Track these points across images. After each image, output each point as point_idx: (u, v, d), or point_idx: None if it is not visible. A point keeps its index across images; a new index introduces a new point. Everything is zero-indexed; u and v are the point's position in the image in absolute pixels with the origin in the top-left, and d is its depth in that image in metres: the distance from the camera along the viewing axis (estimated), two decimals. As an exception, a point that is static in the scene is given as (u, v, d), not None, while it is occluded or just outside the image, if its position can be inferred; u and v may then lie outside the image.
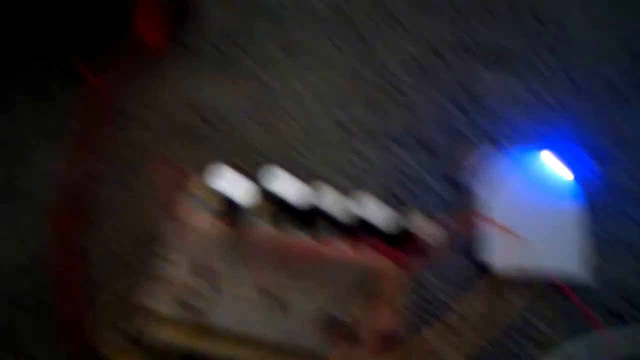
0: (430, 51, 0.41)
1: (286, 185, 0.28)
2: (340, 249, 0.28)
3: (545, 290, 0.34)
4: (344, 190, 0.33)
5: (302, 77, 0.39)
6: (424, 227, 0.27)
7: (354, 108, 0.39)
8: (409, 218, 0.28)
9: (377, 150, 0.37)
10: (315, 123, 0.38)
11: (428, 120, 0.39)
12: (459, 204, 0.36)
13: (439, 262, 0.32)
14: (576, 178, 0.37)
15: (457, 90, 0.40)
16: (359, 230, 0.27)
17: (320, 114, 0.38)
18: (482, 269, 0.34)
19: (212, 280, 0.27)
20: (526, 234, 0.34)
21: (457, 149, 0.38)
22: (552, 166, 0.37)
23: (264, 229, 0.28)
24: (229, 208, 0.27)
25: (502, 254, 0.33)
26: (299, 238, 0.28)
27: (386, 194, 0.36)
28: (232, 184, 0.27)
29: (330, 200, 0.27)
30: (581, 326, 0.33)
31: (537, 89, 0.41)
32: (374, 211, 0.27)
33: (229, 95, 0.38)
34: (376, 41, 0.41)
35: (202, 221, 0.28)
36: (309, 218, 0.28)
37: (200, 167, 0.33)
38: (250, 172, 0.33)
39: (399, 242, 0.27)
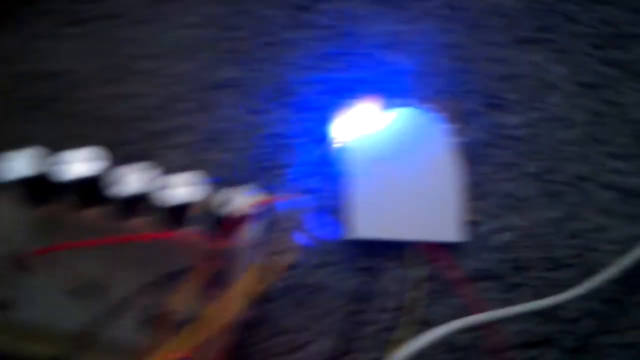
0: None
1: (90, 168, 0.25)
2: (160, 234, 0.26)
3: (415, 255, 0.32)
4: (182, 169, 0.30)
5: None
6: (247, 206, 0.25)
7: (220, 66, 0.35)
8: (233, 197, 0.25)
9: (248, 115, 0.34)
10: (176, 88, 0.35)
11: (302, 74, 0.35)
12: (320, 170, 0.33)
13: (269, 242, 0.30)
14: (452, 132, 0.33)
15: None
16: (177, 213, 0.25)
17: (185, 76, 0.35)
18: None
19: (18, 269, 0.26)
20: (394, 196, 0.32)
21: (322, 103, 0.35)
22: (426, 120, 0.33)
23: (79, 213, 0.26)
24: (37, 190, 0.25)
25: (362, 222, 0.31)
26: (118, 224, 0.26)
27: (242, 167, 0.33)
28: (38, 164, 0.25)
29: (136, 183, 0.25)
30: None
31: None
32: (186, 192, 0.25)
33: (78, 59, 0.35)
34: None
35: (8, 205, 0.26)
36: (127, 202, 0.26)
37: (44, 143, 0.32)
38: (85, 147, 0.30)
39: (221, 223, 0.25)
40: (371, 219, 0.31)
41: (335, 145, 0.33)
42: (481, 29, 0.37)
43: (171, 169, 0.32)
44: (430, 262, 0.31)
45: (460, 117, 0.34)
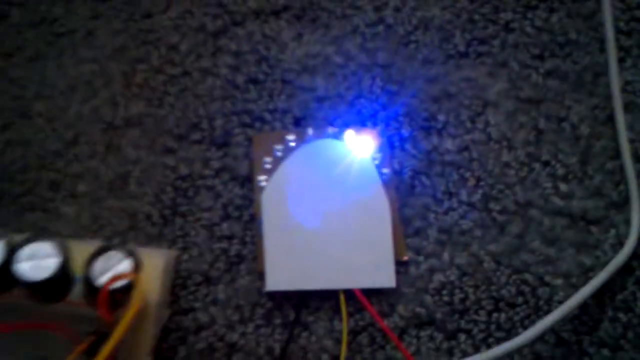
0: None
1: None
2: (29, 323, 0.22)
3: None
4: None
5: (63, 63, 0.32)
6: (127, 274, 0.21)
7: (125, 103, 0.31)
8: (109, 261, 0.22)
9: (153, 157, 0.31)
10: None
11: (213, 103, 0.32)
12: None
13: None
14: (380, 162, 0.30)
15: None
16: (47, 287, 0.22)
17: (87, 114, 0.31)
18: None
19: None
20: (315, 239, 0.28)
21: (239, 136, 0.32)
22: (350, 151, 0.30)
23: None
24: None
25: (279, 273, 0.27)
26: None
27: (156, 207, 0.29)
28: None
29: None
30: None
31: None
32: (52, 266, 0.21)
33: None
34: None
35: None
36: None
37: None
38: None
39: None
40: (289, 268, 0.28)
41: (252, 184, 0.30)
42: (411, 46, 0.34)
43: (67, 222, 0.29)
44: (361, 311, 0.28)
45: (389, 145, 0.32)
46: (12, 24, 0.34)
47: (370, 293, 0.28)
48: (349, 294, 0.28)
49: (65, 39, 0.33)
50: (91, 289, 0.21)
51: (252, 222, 0.30)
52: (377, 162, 0.30)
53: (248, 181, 0.30)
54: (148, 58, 0.33)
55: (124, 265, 0.21)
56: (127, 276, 0.21)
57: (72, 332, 0.22)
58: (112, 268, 0.21)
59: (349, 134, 0.31)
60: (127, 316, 0.19)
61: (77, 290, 0.24)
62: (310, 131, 0.31)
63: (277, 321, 0.28)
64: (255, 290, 0.28)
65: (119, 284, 0.21)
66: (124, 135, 0.31)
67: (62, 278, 0.21)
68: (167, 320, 0.27)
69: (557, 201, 0.30)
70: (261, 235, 0.28)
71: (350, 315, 0.28)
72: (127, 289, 0.21)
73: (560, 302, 0.28)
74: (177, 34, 0.34)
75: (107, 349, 0.19)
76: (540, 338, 0.27)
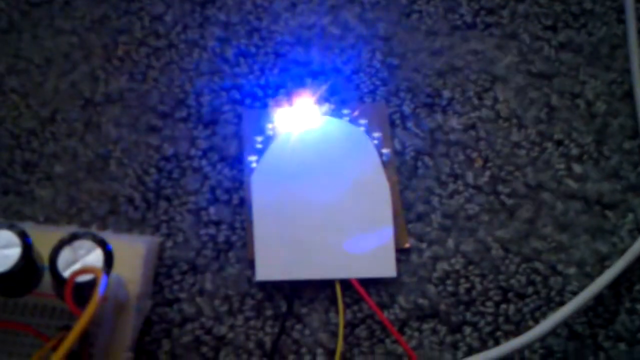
0: None
1: None
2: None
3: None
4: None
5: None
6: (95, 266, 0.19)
7: (105, 78, 0.29)
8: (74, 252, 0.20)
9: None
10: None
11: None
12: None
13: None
14: (380, 141, 0.28)
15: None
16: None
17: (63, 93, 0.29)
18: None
19: None
20: (310, 225, 0.26)
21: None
22: (349, 130, 0.28)
23: None
24: None
25: (271, 261, 0.25)
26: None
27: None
28: None
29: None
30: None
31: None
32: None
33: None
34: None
35: None
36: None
37: None
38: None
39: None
40: (281, 256, 0.25)
41: (242, 165, 0.28)
42: (413, 16, 0.32)
43: (42, 206, 0.27)
44: (359, 302, 0.26)
45: (389, 124, 0.30)
46: (-16, -7, 0.32)
47: (368, 283, 0.26)
48: (346, 284, 0.26)
49: (41, 9, 0.31)
50: (57, 282, 0.19)
51: (242, 206, 0.28)
52: (376, 141, 0.28)
53: (238, 162, 0.28)
54: (130, 29, 0.31)
55: (94, 256, 0.19)
56: (93, 271, 0.19)
57: (38, 330, 0.20)
58: (81, 259, 0.19)
59: (347, 111, 0.29)
60: (87, 312, 0.17)
61: (46, 282, 0.22)
62: (305, 107, 0.29)
63: (269, 313, 0.26)
64: (245, 279, 0.26)
65: (86, 277, 0.19)
66: (105, 113, 0.29)
67: (25, 269, 0.19)
68: (150, 312, 0.25)
69: (571, 183, 0.28)
70: (251, 220, 0.26)
71: (347, 306, 0.26)
72: (93, 284, 0.19)
73: (574, 293, 0.26)
74: (162, 3, 0.31)
75: (64, 346, 0.17)
76: (552, 332, 0.25)
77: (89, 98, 0.29)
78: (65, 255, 0.19)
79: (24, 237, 0.18)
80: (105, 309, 0.22)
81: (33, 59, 0.30)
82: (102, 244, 0.19)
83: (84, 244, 0.19)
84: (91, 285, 0.18)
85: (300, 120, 0.28)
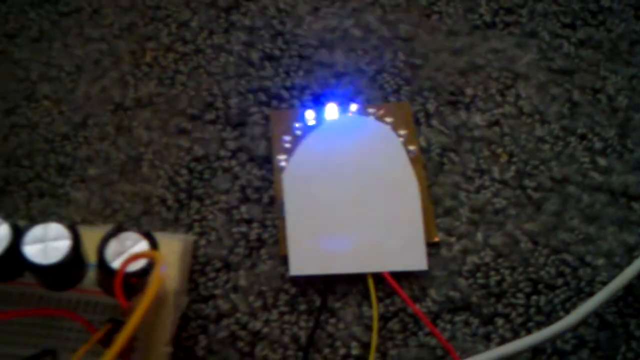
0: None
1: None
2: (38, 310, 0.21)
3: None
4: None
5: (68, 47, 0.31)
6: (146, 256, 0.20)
7: (135, 83, 0.30)
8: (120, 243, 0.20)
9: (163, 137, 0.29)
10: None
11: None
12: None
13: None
14: (406, 139, 0.28)
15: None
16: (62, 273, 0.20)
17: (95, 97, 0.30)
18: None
19: None
20: (340, 221, 0.26)
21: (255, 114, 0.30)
22: (375, 128, 0.28)
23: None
24: None
25: (304, 256, 0.26)
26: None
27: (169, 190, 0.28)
28: None
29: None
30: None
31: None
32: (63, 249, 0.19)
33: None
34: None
35: None
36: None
37: None
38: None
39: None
40: (314, 251, 0.26)
41: (272, 165, 0.28)
42: (434, 17, 0.33)
43: (77, 208, 0.28)
44: (391, 296, 0.26)
45: (415, 121, 0.30)
46: (15, 4, 0.32)
47: (400, 277, 0.26)
48: (378, 278, 0.26)
49: (70, 18, 0.32)
50: (106, 273, 0.19)
51: (272, 204, 0.28)
52: (402, 139, 0.29)
53: (266, 162, 0.29)
54: (158, 36, 0.31)
55: (140, 247, 0.20)
56: (146, 255, 0.19)
57: (86, 320, 0.20)
58: (128, 250, 0.20)
59: (372, 110, 0.29)
60: (147, 298, 0.17)
61: (90, 278, 0.23)
62: (331, 107, 0.29)
63: (302, 308, 0.26)
64: (278, 275, 0.27)
65: (135, 266, 0.19)
66: (135, 117, 0.30)
67: (74, 262, 0.19)
68: (186, 308, 0.26)
69: (596, 176, 0.29)
70: (283, 217, 0.27)
71: (379, 300, 0.26)
72: (144, 273, 0.19)
73: (603, 283, 0.26)
74: (188, 10, 0.32)
75: (123, 336, 0.18)
76: (584, 321, 0.25)
77: (119, 103, 0.30)
78: (112, 247, 0.19)
79: (73, 229, 0.19)
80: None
81: (64, 67, 0.31)
82: (148, 236, 0.19)
83: (130, 235, 0.19)
84: (139, 274, 0.19)
85: (328, 120, 0.29)
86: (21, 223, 0.21)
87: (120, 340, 0.18)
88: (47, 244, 0.19)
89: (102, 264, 0.19)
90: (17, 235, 0.19)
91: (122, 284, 0.18)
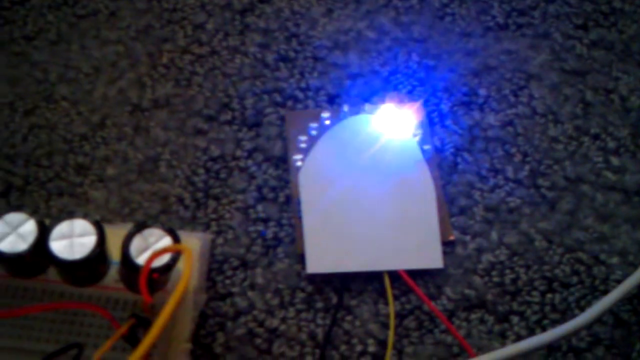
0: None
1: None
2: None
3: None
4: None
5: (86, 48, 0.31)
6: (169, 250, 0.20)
7: (152, 84, 0.30)
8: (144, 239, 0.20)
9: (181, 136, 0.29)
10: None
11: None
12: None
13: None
14: (421, 139, 0.29)
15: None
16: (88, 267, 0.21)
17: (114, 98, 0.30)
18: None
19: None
20: (356, 220, 0.27)
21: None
22: (389, 128, 0.29)
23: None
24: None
25: (321, 254, 0.26)
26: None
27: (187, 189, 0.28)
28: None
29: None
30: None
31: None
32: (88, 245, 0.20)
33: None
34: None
35: None
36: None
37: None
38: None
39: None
40: (330, 249, 0.26)
41: (288, 164, 0.29)
42: (447, 19, 0.33)
43: (96, 207, 0.28)
44: (407, 294, 0.26)
45: (428, 121, 0.30)
46: (33, 7, 0.32)
47: (415, 275, 0.27)
48: (393, 276, 0.27)
49: (87, 20, 0.32)
50: (129, 269, 0.20)
51: (288, 203, 0.28)
52: (417, 138, 0.29)
53: (282, 162, 0.29)
54: (174, 38, 0.32)
55: (164, 243, 0.20)
56: (175, 249, 0.19)
57: (111, 314, 0.21)
58: (151, 246, 0.20)
59: (387, 110, 0.30)
60: (177, 291, 0.18)
61: (109, 275, 0.23)
62: (346, 108, 0.30)
63: (319, 305, 0.26)
64: (295, 273, 0.27)
65: (159, 261, 0.19)
66: (152, 117, 0.30)
67: (99, 258, 0.20)
68: (204, 306, 0.26)
69: (610, 175, 0.29)
70: (300, 215, 0.27)
71: (395, 298, 0.26)
72: (168, 268, 0.20)
73: (618, 282, 0.26)
74: (203, 12, 0.33)
75: (156, 329, 0.18)
76: (599, 319, 0.26)
77: (136, 104, 0.30)
78: (136, 243, 0.20)
79: (99, 225, 0.19)
80: (165, 300, 0.22)
81: (82, 68, 0.31)
82: (171, 232, 0.20)
83: (154, 232, 0.20)
84: (163, 270, 0.19)
85: (343, 120, 0.29)
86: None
87: (156, 328, 0.18)
88: (73, 240, 0.19)
89: (127, 260, 0.19)
90: (43, 231, 0.19)
91: (147, 279, 0.18)
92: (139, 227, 0.20)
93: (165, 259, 0.19)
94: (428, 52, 0.32)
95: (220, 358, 0.25)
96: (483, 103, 0.30)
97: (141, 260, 0.19)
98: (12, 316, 0.21)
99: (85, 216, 0.19)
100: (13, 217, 0.20)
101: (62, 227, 0.19)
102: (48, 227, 0.19)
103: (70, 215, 0.19)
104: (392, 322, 0.26)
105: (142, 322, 0.21)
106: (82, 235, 0.19)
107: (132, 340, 0.21)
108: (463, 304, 0.26)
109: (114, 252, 0.22)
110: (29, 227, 0.19)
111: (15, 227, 0.19)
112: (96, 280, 0.21)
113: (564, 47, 0.32)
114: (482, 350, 0.26)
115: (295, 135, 0.29)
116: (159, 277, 0.20)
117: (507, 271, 0.27)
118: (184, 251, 0.19)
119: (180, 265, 0.23)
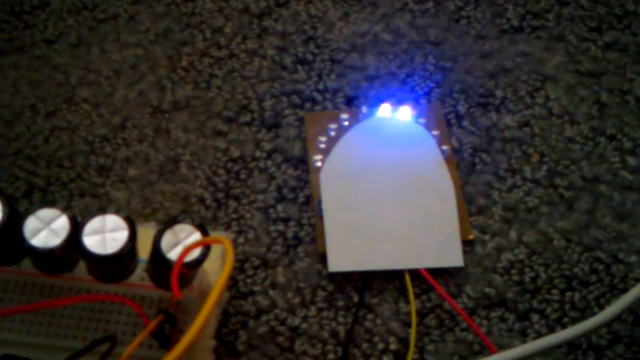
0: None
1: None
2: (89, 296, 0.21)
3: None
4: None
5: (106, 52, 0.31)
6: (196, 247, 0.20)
7: (171, 87, 0.31)
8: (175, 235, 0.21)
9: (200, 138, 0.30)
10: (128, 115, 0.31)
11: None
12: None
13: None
14: (439, 139, 0.29)
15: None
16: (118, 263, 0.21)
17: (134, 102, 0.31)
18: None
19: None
20: (377, 219, 0.27)
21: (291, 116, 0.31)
22: (408, 129, 0.29)
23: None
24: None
25: (342, 253, 0.26)
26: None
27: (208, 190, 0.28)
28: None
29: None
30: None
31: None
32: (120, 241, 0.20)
33: (8, 90, 0.30)
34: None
35: None
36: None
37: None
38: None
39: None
40: (351, 248, 0.26)
41: (308, 165, 0.29)
42: (462, 22, 0.33)
43: (119, 207, 0.28)
44: (427, 292, 0.27)
45: (446, 122, 0.31)
46: (53, 11, 0.33)
47: (435, 274, 0.27)
48: (414, 275, 0.27)
49: (107, 24, 0.33)
50: (160, 265, 0.20)
51: (308, 203, 0.29)
52: (435, 139, 0.29)
53: (301, 162, 0.30)
54: (193, 41, 0.32)
55: (194, 238, 0.20)
56: (212, 240, 0.19)
57: (140, 308, 0.21)
58: (182, 242, 0.20)
59: (405, 111, 0.30)
60: (219, 283, 0.18)
61: (135, 273, 0.23)
62: (364, 109, 0.30)
63: (340, 304, 0.27)
64: (315, 272, 0.27)
65: (190, 257, 0.20)
66: (173, 119, 0.30)
67: (130, 253, 0.20)
68: (227, 305, 0.26)
69: (627, 175, 0.29)
70: (321, 215, 0.27)
71: (415, 296, 0.27)
72: (198, 263, 0.20)
73: (637, 280, 0.27)
74: (221, 16, 0.33)
75: (200, 318, 0.18)
76: (618, 317, 0.26)
77: (156, 106, 0.31)
78: (167, 238, 0.20)
79: (130, 221, 0.20)
80: (191, 297, 0.23)
81: (102, 71, 0.32)
82: (201, 228, 0.20)
83: (184, 227, 0.20)
84: (193, 265, 0.19)
85: (364, 121, 0.30)
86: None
87: (198, 323, 0.18)
88: (106, 235, 0.19)
89: (158, 256, 0.19)
90: (76, 226, 0.20)
91: (179, 274, 0.19)
92: (170, 223, 0.20)
93: (195, 254, 0.19)
94: (444, 55, 0.32)
95: (243, 356, 0.26)
96: (500, 104, 0.31)
97: (172, 255, 0.19)
98: (43, 308, 0.21)
99: (117, 211, 0.20)
100: (45, 212, 0.20)
101: (94, 223, 0.19)
102: (80, 223, 0.19)
103: (102, 210, 0.20)
104: (413, 320, 0.26)
105: (169, 319, 0.21)
106: (114, 230, 0.19)
107: (159, 336, 0.21)
108: (483, 303, 0.27)
109: (139, 250, 0.22)
110: (62, 223, 0.20)
111: (47, 223, 0.20)
112: (124, 277, 0.21)
113: (578, 49, 0.32)
114: (503, 348, 0.26)
115: (314, 136, 0.29)
116: (188, 273, 0.20)
117: (527, 270, 0.27)
118: (223, 242, 0.19)
119: (206, 265, 0.23)
